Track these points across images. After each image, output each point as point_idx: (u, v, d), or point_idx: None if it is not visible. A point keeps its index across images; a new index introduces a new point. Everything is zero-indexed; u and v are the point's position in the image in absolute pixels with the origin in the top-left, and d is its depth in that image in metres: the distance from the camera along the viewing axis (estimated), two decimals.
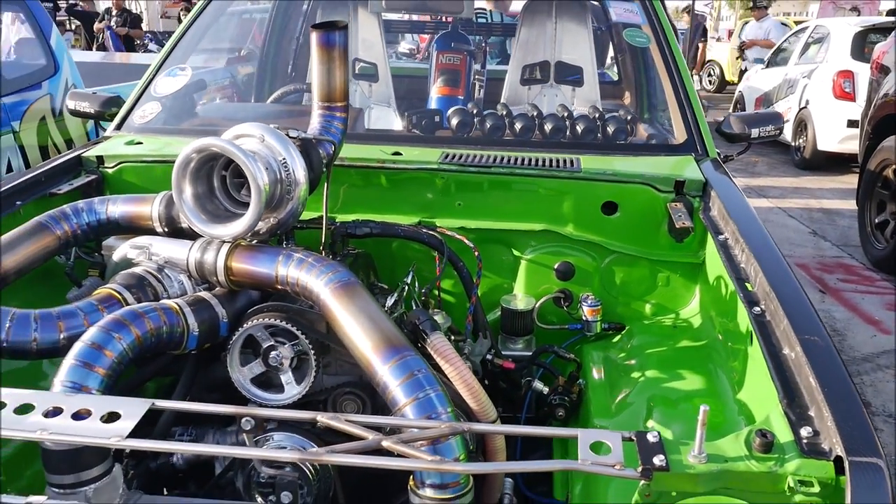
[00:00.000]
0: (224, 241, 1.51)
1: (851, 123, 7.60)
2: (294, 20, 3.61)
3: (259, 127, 1.57)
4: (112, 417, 1.13)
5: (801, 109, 8.56)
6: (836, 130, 7.93)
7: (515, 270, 2.02)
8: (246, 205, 1.54)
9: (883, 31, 8.31)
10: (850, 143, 7.59)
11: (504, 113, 2.33)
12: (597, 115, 2.32)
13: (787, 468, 1.05)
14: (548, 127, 2.29)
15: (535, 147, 2.20)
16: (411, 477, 1.25)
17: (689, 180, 1.94)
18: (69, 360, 1.29)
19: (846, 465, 1.02)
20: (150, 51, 14.65)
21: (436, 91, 3.33)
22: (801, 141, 8.61)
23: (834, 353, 1.24)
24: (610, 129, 2.27)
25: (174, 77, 2.46)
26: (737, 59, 13.77)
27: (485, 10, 4.53)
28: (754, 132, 2.28)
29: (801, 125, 8.59)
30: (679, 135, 2.24)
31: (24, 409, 1.15)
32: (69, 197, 1.95)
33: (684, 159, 2.11)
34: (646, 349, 1.77)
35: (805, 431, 1.10)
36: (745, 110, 10.17)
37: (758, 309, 1.40)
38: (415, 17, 4.21)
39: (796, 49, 9.38)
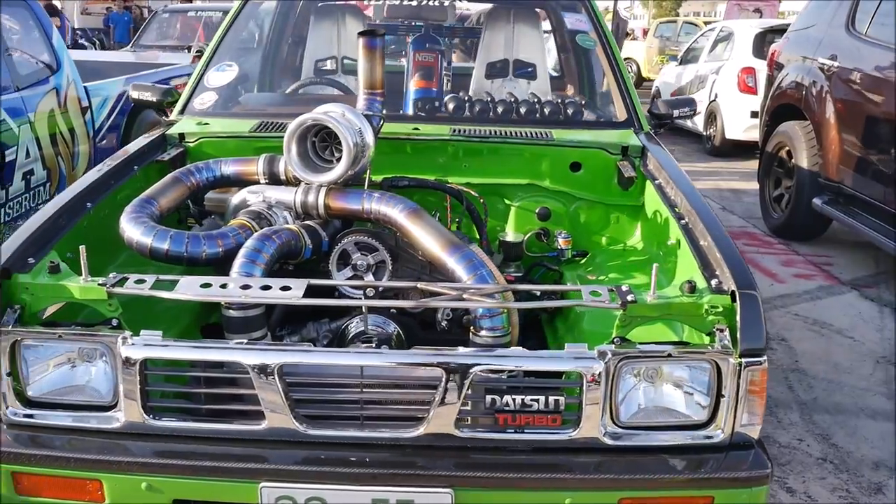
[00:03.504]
0: (321, 186, 2.16)
1: (754, 114, 8.58)
2: (290, 24, 4.19)
3: (340, 106, 2.22)
4: (285, 288, 1.77)
5: (710, 102, 9.56)
6: (741, 121, 8.93)
7: (507, 215, 2.71)
8: (329, 161, 2.20)
9: (779, 32, 9.39)
10: (753, 131, 8.57)
11: (489, 99, 3.01)
12: (559, 101, 3.04)
13: (703, 300, 1.77)
14: (522, 109, 2.98)
15: (514, 124, 2.89)
16: (472, 327, 1.93)
17: (632, 146, 2.68)
18: (240, 259, 1.92)
19: (737, 295, 1.76)
20: (83, 46, 14.68)
21: (413, 84, 3.95)
22: (711, 131, 9.62)
23: (731, 241, 1.98)
24: (569, 111, 2.99)
25: (223, 72, 3.06)
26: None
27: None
28: (675, 112, 3.05)
29: (711, 116, 9.60)
30: (621, 114, 2.98)
31: (224, 285, 1.78)
32: (169, 164, 2.54)
33: (626, 132, 2.84)
34: (606, 263, 2.50)
35: (714, 282, 1.83)
36: None
37: (684, 221, 2.14)
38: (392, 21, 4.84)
39: (706, 48, 10.42)
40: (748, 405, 1.75)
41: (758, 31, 9.35)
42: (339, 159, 2.16)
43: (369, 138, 2.20)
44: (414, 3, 3.35)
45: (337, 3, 3.93)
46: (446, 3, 3.32)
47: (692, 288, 1.80)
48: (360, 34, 2.44)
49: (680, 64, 11.26)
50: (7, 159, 4.16)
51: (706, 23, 17.81)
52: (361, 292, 2.05)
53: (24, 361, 1.78)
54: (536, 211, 2.66)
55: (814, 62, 5.60)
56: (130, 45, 10.45)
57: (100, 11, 18.86)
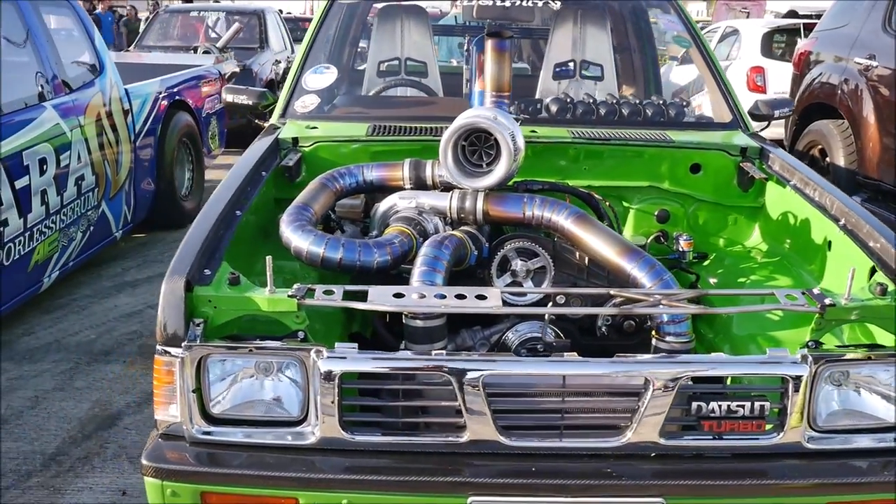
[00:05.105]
0: (478, 191, 2.12)
1: None
2: (354, 26, 4.13)
3: (490, 109, 2.18)
4: (481, 297, 1.73)
5: None
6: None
7: (625, 217, 2.69)
8: (478, 166, 2.17)
9: (785, 31, 9.54)
10: (764, 130, 8.70)
11: (591, 101, 2.99)
12: (660, 102, 3.02)
13: None
14: (625, 111, 2.96)
15: (617, 125, 2.86)
16: (654, 332, 1.91)
17: (751, 147, 2.68)
18: (420, 266, 1.88)
19: None
20: None
21: (478, 85, 3.94)
22: None
23: None
24: (672, 112, 2.97)
25: (322, 74, 3.00)
26: None
27: None
28: (776, 112, 3.06)
29: None
30: (724, 115, 2.98)
31: (420, 295, 1.74)
32: (293, 168, 2.49)
33: (734, 133, 2.85)
34: (738, 266, 2.49)
35: None
36: None
37: (842, 222, 2.13)
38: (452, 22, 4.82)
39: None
40: None
41: (765, 30, 9.45)
42: (489, 164, 2.14)
43: (521, 141, 2.17)
44: (507, 4, 3.31)
45: (401, 3, 3.88)
46: (539, 4, 3.29)
47: (883, 290, 1.79)
48: (489, 35, 2.40)
49: (681, 64, 11.34)
50: (62, 164, 4.06)
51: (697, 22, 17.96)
52: (522, 298, 2.02)
53: (208, 377, 1.73)
54: (655, 213, 2.65)
55: (849, 61, 5.66)
56: (133, 45, 10.27)
57: None
